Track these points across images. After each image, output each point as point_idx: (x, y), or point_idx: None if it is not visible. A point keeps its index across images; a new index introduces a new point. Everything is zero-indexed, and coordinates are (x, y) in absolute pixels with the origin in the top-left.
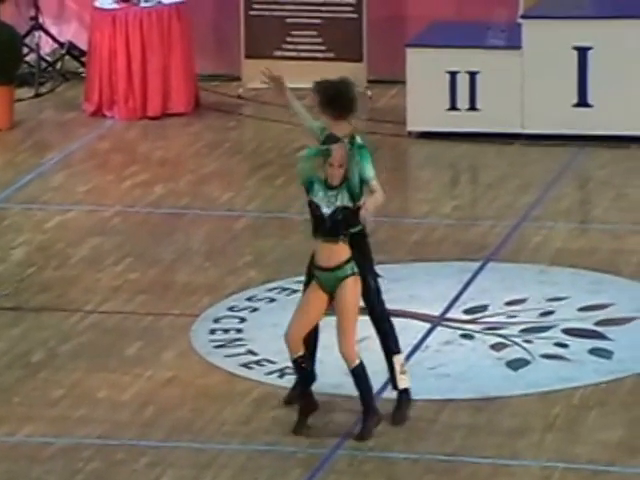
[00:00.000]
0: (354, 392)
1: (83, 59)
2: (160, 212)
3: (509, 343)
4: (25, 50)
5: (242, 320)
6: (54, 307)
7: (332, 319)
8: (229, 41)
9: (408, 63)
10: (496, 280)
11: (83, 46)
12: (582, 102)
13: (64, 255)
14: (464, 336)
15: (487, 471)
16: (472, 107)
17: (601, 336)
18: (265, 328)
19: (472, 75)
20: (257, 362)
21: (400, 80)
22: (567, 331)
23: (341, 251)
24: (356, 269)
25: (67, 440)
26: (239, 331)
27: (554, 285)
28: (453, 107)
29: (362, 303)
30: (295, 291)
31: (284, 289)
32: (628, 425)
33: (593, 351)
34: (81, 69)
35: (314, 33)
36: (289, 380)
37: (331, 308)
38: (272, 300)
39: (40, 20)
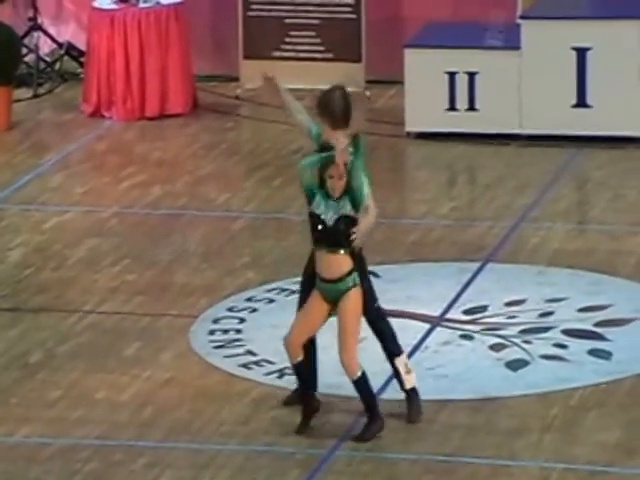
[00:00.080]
0: (352, 392)
1: (81, 60)
2: (158, 213)
3: (508, 344)
4: (24, 51)
5: (241, 321)
6: (52, 308)
7: (331, 320)
8: (227, 42)
9: (406, 64)
10: (495, 281)
11: (82, 47)
12: (581, 103)
13: (62, 256)
14: (463, 337)
15: (486, 471)
16: (471, 108)
17: (600, 337)
18: (264, 329)
19: (471, 76)
20: (256, 362)
21: (398, 80)
22: (566, 332)
23: (342, 262)
24: (358, 280)
25: (65, 441)
26: (238, 332)
27: (553, 286)
28: (451, 108)
29: None
30: (294, 292)
31: (283, 290)
32: (626, 426)
33: (592, 352)
34: (79, 70)
35: (312, 34)
36: (288, 381)
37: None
38: (271, 301)
39: (38, 21)
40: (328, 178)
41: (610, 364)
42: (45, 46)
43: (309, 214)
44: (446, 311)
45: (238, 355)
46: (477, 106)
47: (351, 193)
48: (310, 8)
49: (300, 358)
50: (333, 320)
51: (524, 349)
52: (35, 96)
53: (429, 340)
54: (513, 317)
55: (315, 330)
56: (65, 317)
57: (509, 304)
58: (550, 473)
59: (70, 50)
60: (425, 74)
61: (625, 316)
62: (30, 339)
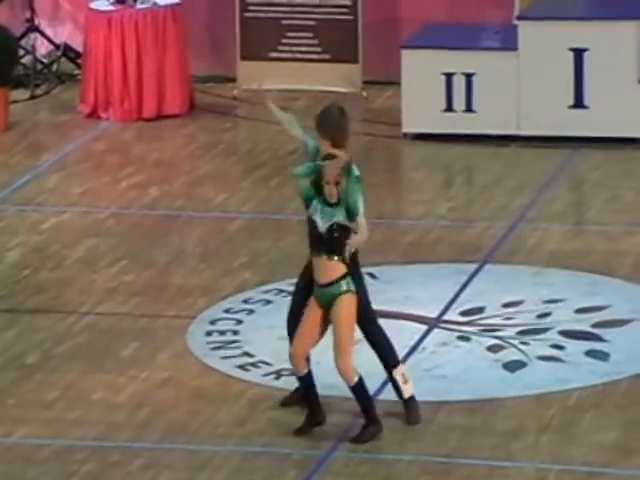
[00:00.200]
0: (350, 394)
1: (78, 61)
2: (155, 214)
3: (506, 345)
4: (21, 52)
5: (238, 322)
6: (49, 309)
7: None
8: (224, 42)
9: (403, 64)
10: (492, 282)
11: (78, 48)
12: (578, 104)
13: (59, 257)
14: (460, 338)
15: (483, 472)
16: (468, 109)
17: (597, 338)
18: (261, 330)
19: (468, 77)
20: (253, 364)
21: (395, 81)
22: (564, 333)
23: (336, 268)
24: (352, 286)
25: (62, 442)
26: (235, 333)
27: (550, 287)
28: (449, 108)
29: None
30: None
31: (280, 291)
32: (623, 427)
33: (589, 353)
34: (76, 71)
35: (309, 35)
36: (285, 382)
37: None
38: (268, 302)
39: (35, 22)
40: (325, 184)
41: (607, 365)
42: (42, 47)
43: (307, 218)
44: (443, 312)
45: (235, 356)
46: (474, 107)
47: (346, 201)
48: (307, 9)
49: (306, 370)
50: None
51: (521, 350)
52: (32, 97)
53: (426, 341)
54: (510, 318)
55: (316, 337)
56: (62, 318)
57: (506, 305)
58: (547, 474)
59: (67, 51)
60: (422, 75)
61: (622, 317)
62: (27, 340)
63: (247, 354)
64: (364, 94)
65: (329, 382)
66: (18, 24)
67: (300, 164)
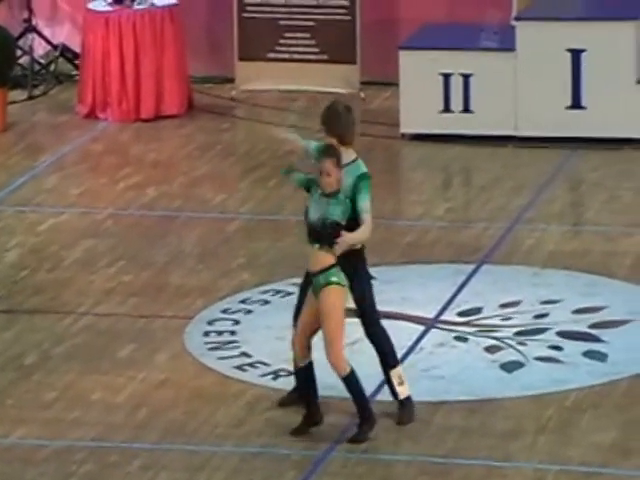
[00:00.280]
0: (347, 394)
1: (76, 61)
2: (153, 214)
3: (503, 345)
4: (18, 52)
5: (236, 322)
6: (47, 309)
7: None
8: (222, 43)
9: (401, 65)
10: (490, 282)
11: (76, 48)
12: (575, 104)
13: (57, 257)
14: (458, 338)
15: (480, 473)
16: (465, 109)
17: (595, 339)
18: (259, 330)
19: (465, 77)
20: (251, 364)
21: (393, 82)
22: (561, 334)
23: (325, 258)
24: (343, 279)
25: (60, 442)
26: (233, 333)
27: (548, 287)
28: (446, 109)
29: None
30: (289, 293)
31: (278, 291)
32: (621, 427)
33: (587, 353)
34: (74, 71)
35: (307, 35)
36: (283, 382)
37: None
38: (266, 302)
39: (33, 22)
40: (319, 175)
41: (605, 365)
42: (40, 48)
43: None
44: (441, 313)
45: (233, 357)
46: (472, 108)
47: (341, 197)
48: (305, 10)
49: (307, 360)
50: None
51: (519, 351)
52: (30, 98)
53: (424, 342)
54: (508, 319)
55: (313, 327)
56: (60, 318)
57: (504, 306)
58: (545, 475)
59: (65, 52)
60: (420, 76)
61: (620, 317)
62: (25, 341)
63: (245, 354)
64: (362, 95)
65: (328, 382)
66: (16, 24)
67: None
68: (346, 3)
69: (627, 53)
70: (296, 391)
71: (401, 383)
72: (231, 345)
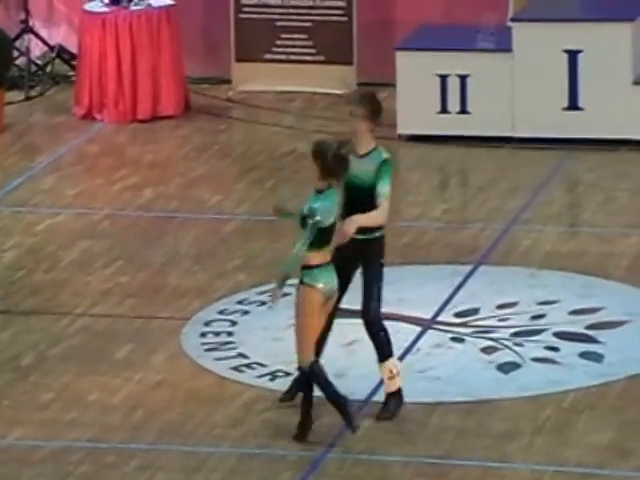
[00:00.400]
0: (345, 395)
1: (73, 62)
2: (150, 215)
3: (500, 346)
4: (15, 53)
5: (233, 323)
6: (44, 310)
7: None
8: (219, 44)
9: (398, 66)
10: (486, 283)
11: (73, 49)
12: (572, 105)
13: (54, 258)
14: (454, 339)
15: (477, 474)
16: (462, 110)
17: (592, 340)
18: (256, 331)
19: (462, 78)
20: (248, 365)
21: (390, 83)
22: (558, 334)
23: (306, 256)
24: (314, 282)
25: (57, 443)
26: (230, 334)
27: (544, 288)
28: (443, 110)
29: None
30: (286, 294)
31: None
32: (618, 428)
33: (584, 354)
34: (71, 72)
35: (304, 36)
36: (279, 383)
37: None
38: (262, 303)
39: (30, 23)
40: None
41: (602, 367)
42: (36, 49)
43: None
44: (438, 314)
45: (229, 358)
46: (469, 109)
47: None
48: (301, 11)
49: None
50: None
51: (516, 352)
52: (27, 99)
53: (420, 343)
54: (505, 320)
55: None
56: (57, 319)
57: (501, 307)
58: (541, 476)
59: (61, 53)
60: (417, 77)
61: (617, 319)
62: (22, 341)
63: (242, 355)
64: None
65: None
66: (13, 25)
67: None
68: (343, 4)
69: (624, 54)
70: (292, 389)
71: (391, 377)
72: (228, 346)
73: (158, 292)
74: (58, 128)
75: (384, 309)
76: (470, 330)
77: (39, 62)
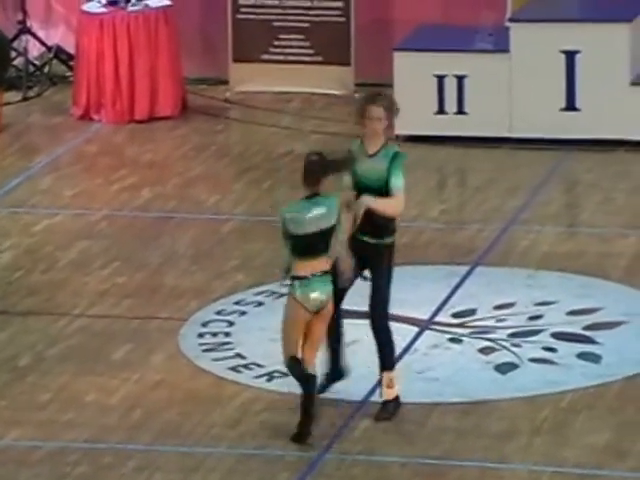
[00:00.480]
0: (343, 396)
1: (71, 63)
2: (147, 215)
3: (497, 347)
4: (13, 54)
5: (230, 324)
6: (41, 311)
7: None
8: (216, 44)
9: (396, 67)
10: (484, 284)
11: (71, 50)
12: (570, 106)
13: (52, 259)
14: (452, 340)
15: (475, 474)
16: (460, 111)
17: (590, 340)
18: (253, 332)
19: (460, 79)
20: (245, 366)
21: (388, 84)
22: (556, 335)
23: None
24: (294, 292)
25: (55, 444)
26: (227, 335)
27: (542, 289)
28: (441, 111)
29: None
30: (283, 295)
31: (272, 293)
32: (616, 429)
33: (581, 355)
34: (69, 73)
35: (302, 37)
36: (277, 384)
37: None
38: (260, 304)
39: (28, 24)
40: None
41: (599, 367)
42: (34, 49)
43: None
44: (435, 314)
45: (227, 358)
46: (466, 109)
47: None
48: (299, 11)
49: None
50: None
51: (513, 352)
52: (24, 99)
53: (418, 343)
54: (502, 320)
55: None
56: (55, 320)
57: (498, 307)
58: (540, 476)
59: (59, 53)
60: (414, 77)
61: (615, 319)
62: (20, 342)
63: (239, 356)
64: (357, 96)
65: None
66: (10, 26)
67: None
68: (340, 4)
69: (621, 55)
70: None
71: (390, 387)
72: (225, 346)
73: (156, 292)
74: (56, 128)
75: (370, 321)
76: (468, 331)
77: (37, 63)
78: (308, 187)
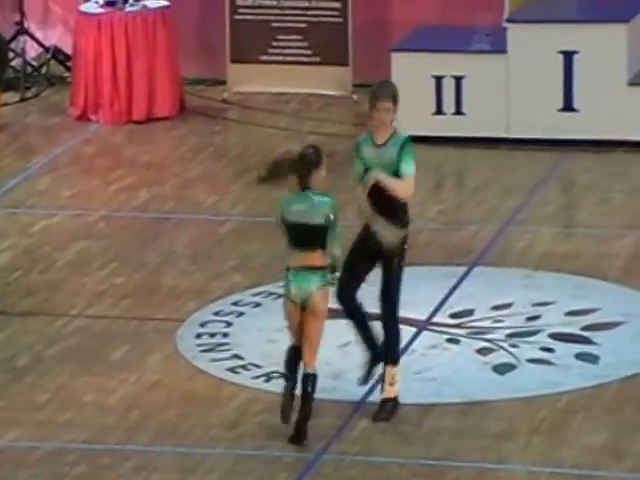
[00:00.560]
0: (341, 396)
1: (68, 63)
2: (145, 216)
3: (495, 347)
4: (11, 55)
5: (228, 324)
6: (40, 311)
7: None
8: (214, 45)
9: (393, 67)
10: (482, 284)
11: (68, 50)
12: (567, 107)
13: (50, 259)
14: (450, 340)
15: (473, 475)
16: (457, 111)
17: (587, 341)
18: (251, 332)
19: (457, 79)
20: (243, 366)
21: None
22: (553, 336)
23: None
24: (285, 286)
25: (53, 444)
26: (225, 335)
27: (540, 289)
28: (439, 111)
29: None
30: (281, 295)
31: (270, 293)
32: (613, 429)
33: (579, 356)
34: (66, 73)
35: (299, 37)
36: (275, 384)
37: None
38: (258, 305)
39: (25, 25)
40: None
41: (597, 368)
42: (32, 50)
43: None
44: (433, 315)
45: (225, 359)
46: (464, 110)
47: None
48: (297, 12)
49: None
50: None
51: (511, 353)
52: (22, 100)
53: (416, 344)
54: (500, 321)
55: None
56: (53, 320)
57: (496, 308)
58: (538, 476)
59: (57, 54)
60: (412, 78)
61: (612, 320)
62: (18, 343)
63: (237, 357)
64: (354, 97)
65: (319, 386)
66: (8, 27)
67: None
68: (338, 5)
69: (619, 55)
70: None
71: (392, 384)
72: (223, 347)
73: (154, 293)
74: (54, 129)
75: (379, 310)
76: (465, 331)
77: (34, 63)
78: (299, 179)
